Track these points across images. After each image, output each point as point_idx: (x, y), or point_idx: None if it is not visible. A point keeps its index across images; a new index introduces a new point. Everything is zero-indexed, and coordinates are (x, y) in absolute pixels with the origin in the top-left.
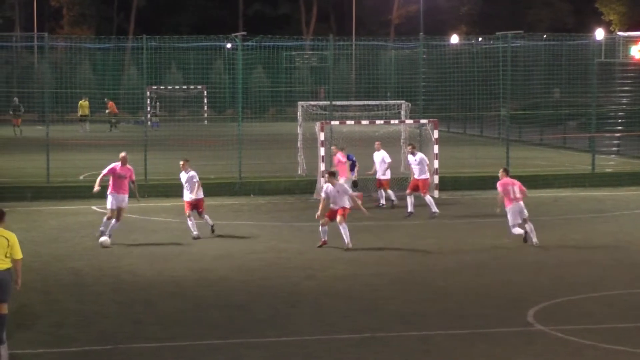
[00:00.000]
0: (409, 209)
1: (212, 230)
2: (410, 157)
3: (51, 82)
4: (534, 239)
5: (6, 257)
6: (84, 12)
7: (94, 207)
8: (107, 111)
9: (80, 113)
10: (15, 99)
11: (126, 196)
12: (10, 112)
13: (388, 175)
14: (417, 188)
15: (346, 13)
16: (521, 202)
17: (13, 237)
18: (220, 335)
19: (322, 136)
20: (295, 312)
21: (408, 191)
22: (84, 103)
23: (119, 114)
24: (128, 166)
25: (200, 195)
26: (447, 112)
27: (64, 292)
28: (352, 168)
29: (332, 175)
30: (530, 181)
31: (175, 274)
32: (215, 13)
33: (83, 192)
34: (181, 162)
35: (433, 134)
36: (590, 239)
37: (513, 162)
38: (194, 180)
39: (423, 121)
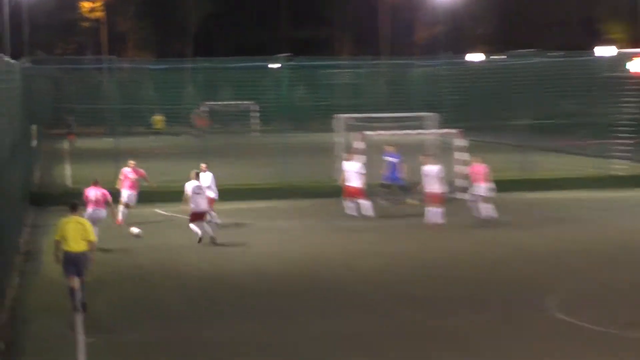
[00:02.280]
0: (356, 213)
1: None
2: (345, 164)
3: (118, 99)
4: None
5: (82, 239)
6: (146, 37)
7: (157, 210)
8: (193, 123)
9: (154, 127)
10: (69, 118)
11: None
12: (66, 130)
13: (359, 184)
14: (352, 194)
15: (378, 35)
16: None
17: (87, 223)
18: (265, 321)
19: (358, 145)
20: (336, 298)
21: (346, 197)
22: (157, 118)
23: (203, 127)
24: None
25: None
26: (470, 122)
27: (132, 284)
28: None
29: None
30: (545, 183)
31: (232, 268)
32: (264, 37)
33: (147, 197)
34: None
35: (457, 142)
36: (600, 234)
37: (529, 166)
38: None
39: (450, 131)
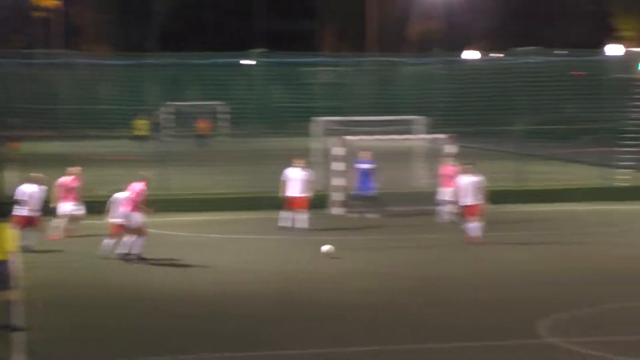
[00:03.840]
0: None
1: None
2: (290, 171)
3: (71, 98)
4: None
5: None
6: (105, 31)
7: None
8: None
9: (136, 132)
10: (10, 120)
11: None
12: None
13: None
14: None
15: (365, 29)
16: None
17: (5, 230)
18: (237, 348)
19: (337, 151)
20: (322, 322)
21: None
22: (140, 122)
23: (207, 133)
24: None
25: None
26: (465, 127)
27: (84, 306)
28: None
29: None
30: (543, 195)
31: (195, 287)
32: (235, 30)
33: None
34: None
35: (450, 148)
36: (604, 252)
37: (530, 176)
38: None
39: (440, 136)
